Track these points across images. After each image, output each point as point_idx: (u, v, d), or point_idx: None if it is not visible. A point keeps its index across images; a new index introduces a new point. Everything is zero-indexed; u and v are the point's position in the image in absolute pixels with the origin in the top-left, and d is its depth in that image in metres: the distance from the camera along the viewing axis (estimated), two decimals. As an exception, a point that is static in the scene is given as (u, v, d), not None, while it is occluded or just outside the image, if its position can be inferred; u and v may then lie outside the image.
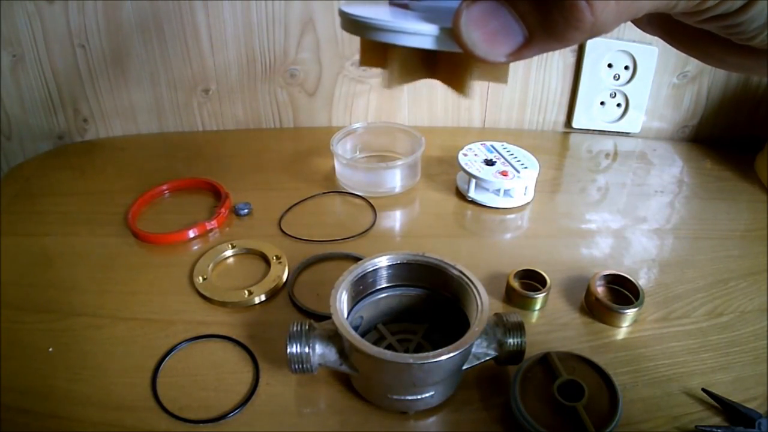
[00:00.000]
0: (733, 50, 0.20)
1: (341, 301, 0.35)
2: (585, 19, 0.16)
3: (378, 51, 0.22)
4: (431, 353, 0.31)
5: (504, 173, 0.56)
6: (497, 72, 0.22)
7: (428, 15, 0.21)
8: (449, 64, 0.21)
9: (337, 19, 0.66)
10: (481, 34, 0.18)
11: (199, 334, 0.42)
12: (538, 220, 0.57)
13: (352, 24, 0.21)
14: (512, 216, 0.57)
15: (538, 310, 0.44)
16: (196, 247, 0.52)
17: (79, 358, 0.40)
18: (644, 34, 0.25)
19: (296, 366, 0.35)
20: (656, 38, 0.25)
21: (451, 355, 0.31)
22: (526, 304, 0.44)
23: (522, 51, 0.18)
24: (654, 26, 0.23)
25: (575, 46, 0.68)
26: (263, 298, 0.45)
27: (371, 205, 0.58)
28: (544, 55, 0.62)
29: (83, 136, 0.73)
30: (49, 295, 0.46)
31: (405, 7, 0.23)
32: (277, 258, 0.48)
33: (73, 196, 0.60)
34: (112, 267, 0.49)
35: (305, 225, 0.54)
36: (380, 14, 0.22)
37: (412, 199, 0.60)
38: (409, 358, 0.31)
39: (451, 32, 0.18)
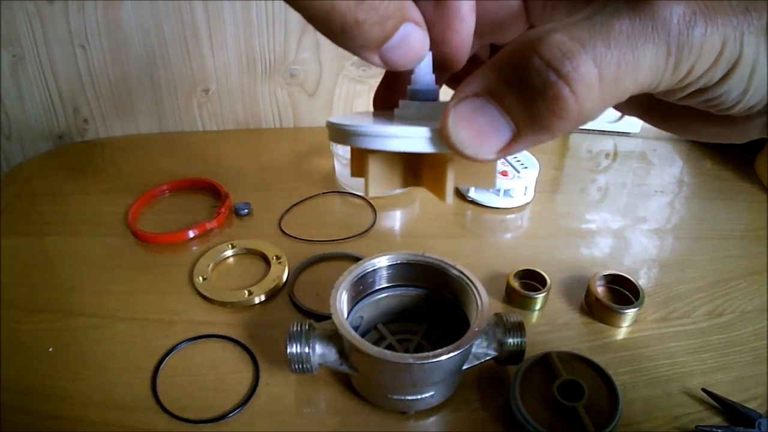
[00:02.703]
0: (709, 121, 0.21)
1: (341, 301, 0.35)
2: (570, 108, 0.16)
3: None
4: (431, 353, 0.31)
5: (504, 173, 0.56)
6: (483, 174, 0.22)
7: (412, 123, 0.21)
8: (432, 171, 0.21)
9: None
10: (470, 133, 0.18)
11: (199, 334, 0.42)
12: (538, 220, 0.57)
13: (338, 133, 0.22)
14: (512, 216, 0.57)
15: (538, 310, 0.44)
16: (196, 247, 0.52)
17: (79, 358, 0.40)
18: None
19: (296, 366, 0.35)
20: None
21: (451, 355, 0.31)
22: (526, 304, 0.44)
23: (510, 146, 0.18)
24: (632, 107, 0.24)
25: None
26: (263, 298, 0.45)
27: (371, 205, 0.58)
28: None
29: (83, 136, 0.73)
30: (49, 295, 0.46)
31: (388, 118, 0.23)
32: (277, 258, 0.48)
33: (73, 196, 0.60)
34: (112, 267, 0.49)
35: (305, 225, 0.54)
36: (366, 123, 0.22)
37: (412, 199, 0.60)
38: (409, 358, 0.31)
39: (439, 133, 0.19)
